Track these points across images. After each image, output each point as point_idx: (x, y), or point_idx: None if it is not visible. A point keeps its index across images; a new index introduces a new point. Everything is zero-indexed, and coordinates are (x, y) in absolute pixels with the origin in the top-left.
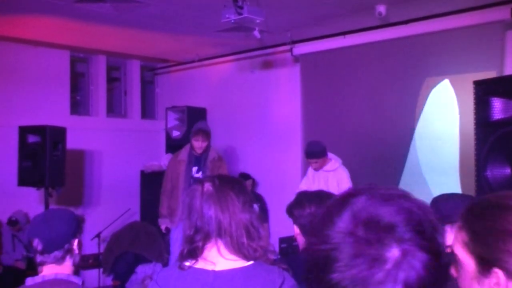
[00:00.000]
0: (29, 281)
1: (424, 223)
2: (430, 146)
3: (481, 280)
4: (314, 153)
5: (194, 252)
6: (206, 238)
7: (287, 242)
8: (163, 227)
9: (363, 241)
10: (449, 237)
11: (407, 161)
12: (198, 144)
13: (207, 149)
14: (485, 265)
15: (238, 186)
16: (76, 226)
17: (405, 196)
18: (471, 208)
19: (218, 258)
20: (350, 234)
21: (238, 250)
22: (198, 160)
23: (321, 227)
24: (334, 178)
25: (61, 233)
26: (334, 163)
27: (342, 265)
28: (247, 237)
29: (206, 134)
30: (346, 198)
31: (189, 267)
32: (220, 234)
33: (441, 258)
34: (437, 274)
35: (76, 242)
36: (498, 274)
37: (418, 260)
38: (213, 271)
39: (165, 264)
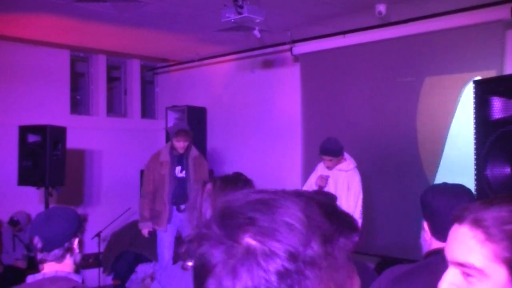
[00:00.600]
0: (30, 278)
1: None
2: (461, 146)
3: None
4: (330, 150)
5: None
6: None
7: None
8: (145, 231)
9: (214, 234)
10: (439, 243)
11: (441, 161)
12: (180, 144)
13: (188, 148)
14: None
15: (239, 186)
16: (78, 225)
17: (293, 194)
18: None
19: None
20: (207, 225)
21: None
22: (180, 159)
23: None
24: (346, 179)
25: (61, 231)
26: (348, 163)
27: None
28: None
29: (187, 134)
30: None
31: (192, 267)
32: None
33: (296, 265)
34: (289, 280)
35: (76, 241)
36: None
37: (262, 259)
38: None
39: None
